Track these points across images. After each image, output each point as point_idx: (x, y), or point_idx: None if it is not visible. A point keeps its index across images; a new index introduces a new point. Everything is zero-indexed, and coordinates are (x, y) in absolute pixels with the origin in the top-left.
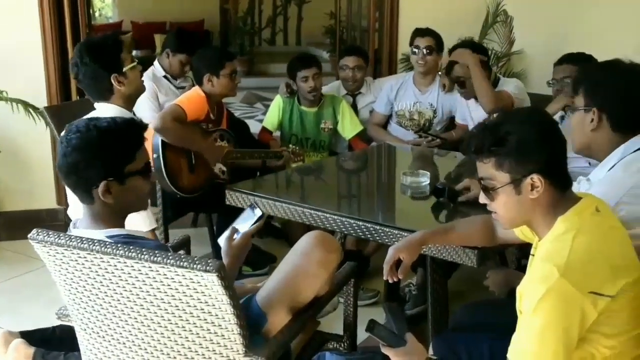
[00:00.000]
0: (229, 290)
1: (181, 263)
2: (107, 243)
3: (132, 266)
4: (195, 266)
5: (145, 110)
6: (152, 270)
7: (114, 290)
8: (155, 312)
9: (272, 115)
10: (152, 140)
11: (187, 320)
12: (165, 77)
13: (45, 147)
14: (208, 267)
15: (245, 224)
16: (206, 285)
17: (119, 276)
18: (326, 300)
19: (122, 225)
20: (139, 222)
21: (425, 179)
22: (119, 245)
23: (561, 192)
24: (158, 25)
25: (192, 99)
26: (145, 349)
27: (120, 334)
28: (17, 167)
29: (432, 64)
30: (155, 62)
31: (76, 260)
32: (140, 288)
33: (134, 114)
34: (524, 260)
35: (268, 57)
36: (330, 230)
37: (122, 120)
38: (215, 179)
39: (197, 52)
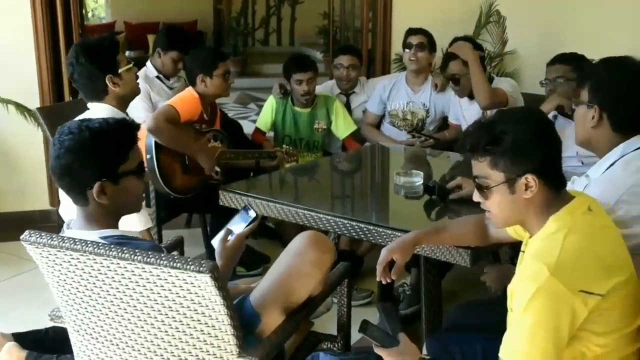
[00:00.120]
0: (223, 291)
1: (174, 264)
2: (100, 244)
3: (125, 267)
4: (188, 267)
5: (138, 110)
6: (145, 271)
7: (107, 291)
8: (149, 314)
9: (265, 116)
10: (145, 141)
11: (180, 321)
12: (157, 77)
13: (37, 148)
14: (201, 268)
15: (239, 225)
16: (199, 286)
17: (112, 277)
18: (320, 300)
19: (116, 226)
20: (134, 221)
21: (418, 179)
22: (112, 246)
23: (555, 192)
24: (151, 26)
25: (185, 99)
26: (139, 350)
27: (114, 335)
28: (9, 168)
29: (423, 62)
30: (148, 63)
31: (69, 262)
32: (134, 289)
33: (127, 114)
34: (517, 260)
35: (261, 58)
36: (324, 230)
37: (114, 121)
38: (209, 179)
39: (190, 53)
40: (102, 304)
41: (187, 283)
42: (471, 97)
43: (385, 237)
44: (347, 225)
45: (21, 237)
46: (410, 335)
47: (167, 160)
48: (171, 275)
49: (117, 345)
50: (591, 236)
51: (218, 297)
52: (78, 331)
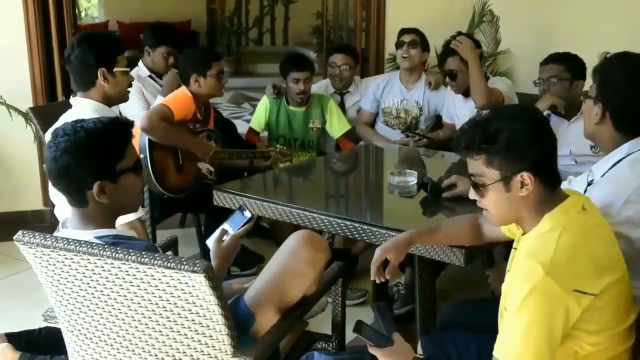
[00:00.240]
0: (217, 291)
1: (169, 264)
2: (94, 244)
3: (119, 267)
4: (182, 267)
5: (134, 108)
6: (139, 271)
7: (101, 291)
8: (143, 314)
9: (259, 116)
10: (139, 141)
11: (175, 321)
12: (150, 76)
13: (30, 148)
14: (195, 268)
15: (234, 225)
16: (194, 286)
17: (106, 277)
18: (314, 299)
19: (112, 226)
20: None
21: (412, 179)
22: (105, 246)
23: (550, 190)
24: (144, 26)
25: (178, 99)
26: (133, 351)
27: (108, 335)
28: (2, 168)
29: (416, 60)
30: (140, 63)
31: (63, 262)
32: (128, 289)
33: (120, 113)
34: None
35: (255, 57)
36: (319, 230)
37: (108, 119)
38: (203, 179)
39: (183, 52)
40: (96, 304)
41: (181, 283)
42: (466, 94)
43: (379, 236)
44: (341, 224)
45: (14, 237)
46: (404, 334)
47: (161, 159)
48: (165, 275)
49: (111, 345)
50: (585, 235)
51: (212, 297)
52: (72, 331)
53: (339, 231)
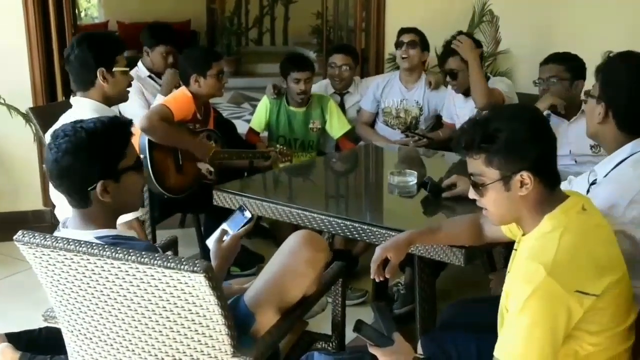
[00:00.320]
0: (217, 291)
1: (168, 264)
2: (93, 244)
3: (119, 267)
4: (182, 267)
5: (134, 108)
6: (139, 272)
7: (101, 291)
8: (143, 314)
9: (259, 116)
10: (138, 141)
11: (174, 321)
12: (150, 77)
13: (30, 148)
14: (195, 268)
15: (235, 225)
16: (194, 286)
17: (106, 277)
18: (314, 299)
19: (113, 226)
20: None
21: (412, 179)
22: (105, 246)
23: (550, 189)
24: (144, 26)
25: (178, 99)
26: (133, 351)
27: (108, 335)
28: (2, 168)
29: (415, 60)
30: (139, 64)
31: (62, 262)
32: (128, 289)
33: (120, 113)
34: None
35: (255, 57)
36: (318, 230)
37: (107, 119)
38: (203, 179)
39: (183, 52)
40: (96, 304)
41: (181, 283)
42: (466, 94)
43: (379, 236)
44: (341, 224)
45: (14, 237)
46: (404, 334)
47: (161, 160)
48: (165, 275)
49: (111, 345)
50: (586, 235)
51: (212, 297)
52: (72, 331)
53: (339, 231)
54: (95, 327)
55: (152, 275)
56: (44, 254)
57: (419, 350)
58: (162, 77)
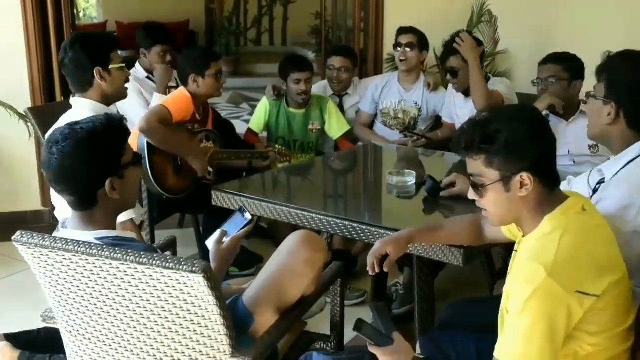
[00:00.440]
0: (216, 291)
1: (167, 264)
2: (92, 245)
3: (118, 267)
4: (181, 267)
5: (135, 108)
6: (138, 272)
7: (100, 292)
8: (142, 314)
9: (258, 117)
10: (137, 141)
11: (173, 321)
12: (147, 77)
13: (29, 148)
14: (194, 268)
15: (234, 227)
16: (192, 287)
17: (105, 278)
18: (313, 300)
19: (113, 227)
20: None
21: (411, 179)
22: (104, 246)
23: (550, 190)
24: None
25: (177, 99)
26: (132, 351)
27: (106, 335)
28: (0, 168)
29: (413, 61)
30: (137, 65)
31: (61, 262)
32: (126, 289)
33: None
34: (510, 260)
35: (254, 58)
36: (317, 230)
37: (103, 117)
38: (202, 179)
39: (182, 52)
40: (95, 304)
41: (180, 283)
42: (466, 94)
43: (378, 236)
44: (340, 224)
45: (13, 238)
46: (403, 334)
47: (160, 160)
48: (164, 276)
49: (110, 345)
50: (586, 236)
51: (211, 297)
52: (70, 332)
53: (338, 231)
54: (94, 327)
55: (151, 276)
56: (42, 255)
57: (418, 350)
58: (154, 73)
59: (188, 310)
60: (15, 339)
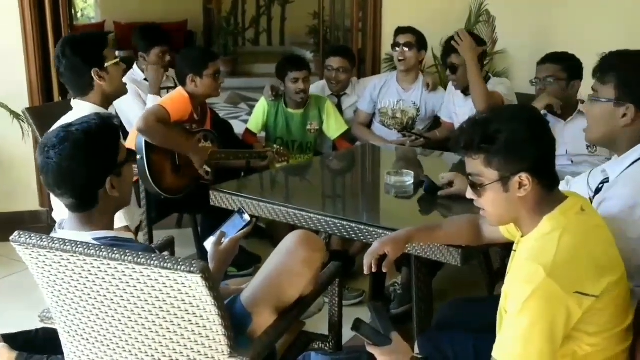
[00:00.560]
0: (214, 291)
1: (165, 264)
2: (90, 245)
3: (116, 268)
4: (179, 267)
5: (133, 109)
6: (136, 272)
7: (98, 292)
8: (140, 314)
9: (256, 118)
10: (135, 141)
11: (171, 321)
12: (146, 79)
13: (27, 148)
14: (192, 268)
15: (233, 228)
16: (190, 287)
17: (103, 278)
18: (311, 300)
19: (110, 227)
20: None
21: (409, 179)
22: (102, 247)
23: (548, 190)
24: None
25: (175, 99)
26: (130, 351)
27: (104, 335)
28: None
29: (412, 61)
30: (134, 67)
31: (59, 263)
32: (124, 290)
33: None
34: (508, 260)
35: (252, 58)
36: (315, 230)
37: (94, 116)
38: (200, 179)
39: (180, 52)
40: (93, 304)
41: (178, 283)
42: (465, 92)
43: (376, 236)
44: (338, 224)
45: (10, 238)
46: (402, 334)
47: (158, 160)
48: (162, 276)
49: (108, 345)
50: (585, 236)
51: (209, 297)
52: (69, 332)
53: (336, 231)
54: (92, 327)
55: (149, 276)
56: (40, 255)
57: (416, 349)
58: (146, 73)
59: (186, 310)
60: (13, 340)
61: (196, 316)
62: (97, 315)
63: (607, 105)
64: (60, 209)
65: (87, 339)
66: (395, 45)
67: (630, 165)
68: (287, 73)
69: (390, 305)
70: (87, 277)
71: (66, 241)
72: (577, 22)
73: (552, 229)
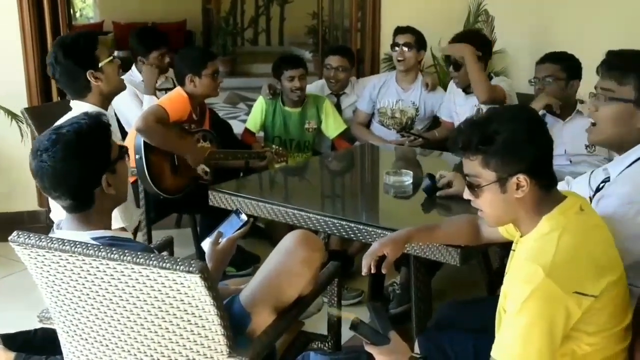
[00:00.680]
0: (212, 291)
1: (164, 264)
2: (89, 245)
3: (115, 268)
4: (178, 267)
5: (131, 109)
6: (135, 272)
7: (97, 292)
8: (139, 314)
9: (254, 117)
10: (134, 141)
11: (170, 321)
12: (143, 81)
13: (26, 149)
14: (191, 268)
15: (230, 228)
16: (189, 287)
17: (102, 278)
18: (310, 299)
19: (108, 227)
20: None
21: (408, 179)
22: (101, 246)
23: (546, 191)
24: (140, 26)
25: (174, 99)
26: (129, 351)
27: (103, 335)
28: None
29: (411, 61)
30: (133, 69)
31: (58, 263)
32: (123, 290)
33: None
34: (507, 259)
35: (251, 57)
36: (314, 230)
37: (84, 116)
38: (199, 179)
39: (179, 52)
40: (92, 304)
41: (176, 283)
42: (466, 91)
43: (375, 236)
44: (337, 224)
45: (9, 238)
46: (400, 334)
47: (157, 160)
48: (161, 276)
49: (107, 346)
50: (584, 236)
51: (208, 297)
52: (67, 332)
53: (335, 231)
54: (91, 327)
55: (148, 276)
56: (39, 255)
57: (416, 349)
58: (142, 73)
59: (185, 310)
60: (12, 340)
61: (195, 316)
62: (96, 315)
63: (627, 106)
64: (58, 210)
65: (86, 339)
66: (394, 45)
67: (631, 164)
68: (283, 72)
69: (389, 305)
70: (85, 277)
71: (65, 241)
72: (576, 21)
73: (551, 229)
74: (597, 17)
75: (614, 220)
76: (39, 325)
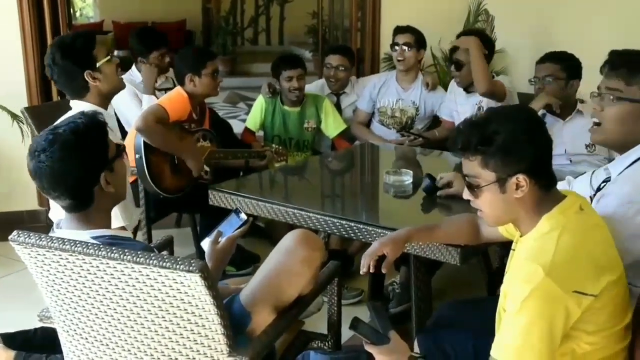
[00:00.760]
0: (212, 290)
1: (164, 263)
2: (89, 244)
3: (115, 267)
4: (178, 266)
5: (131, 109)
6: (135, 271)
7: (97, 291)
8: (139, 313)
9: (254, 116)
10: (134, 141)
11: (170, 321)
12: (143, 81)
13: (26, 149)
14: (191, 268)
15: (229, 227)
16: (189, 286)
17: (102, 277)
18: (310, 299)
19: (108, 226)
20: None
21: (408, 178)
22: (101, 246)
23: (546, 191)
24: (140, 25)
25: (174, 99)
26: (129, 350)
27: (103, 335)
28: None
29: (411, 61)
30: (133, 69)
31: (58, 262)
32: (123, 289)
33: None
34: (507, 259)
35: (251, 57)
36: (314, 229)
37: (80, 115)
38: (199, 179)
39: (178, 52)
40: (92, 304)
41: (176, 283)
42: (467, 90)
43: (375, 236)
44: (337, 224)
45: (9, 238)
46: (400, 333)
47: (157, 160)
48: (161, 275)
49: (107, 345)
50: (584, 236)
51: (208, 296)
52: (67, 331)
53: (335, 231)
54: (91, 327)
55: (148, 275)
56: (39, 254)
57: (415, 349)
58: (158, 81)
59: (185, 309)
60: (12, 339)
61: (195, 315)
62: (95, 314)
63: (634, 106)
64: (57, 209)
65: (86, 338)
66: (394, 44)
67: (632, 164)
68: (282, 72)
69: (389, 304)
70: (85, 277)
71: (65, 240)
72: (576, 21)
73: (551, 229)
74: (597, 17)
75: (613, 219)
76: (39, 325)
